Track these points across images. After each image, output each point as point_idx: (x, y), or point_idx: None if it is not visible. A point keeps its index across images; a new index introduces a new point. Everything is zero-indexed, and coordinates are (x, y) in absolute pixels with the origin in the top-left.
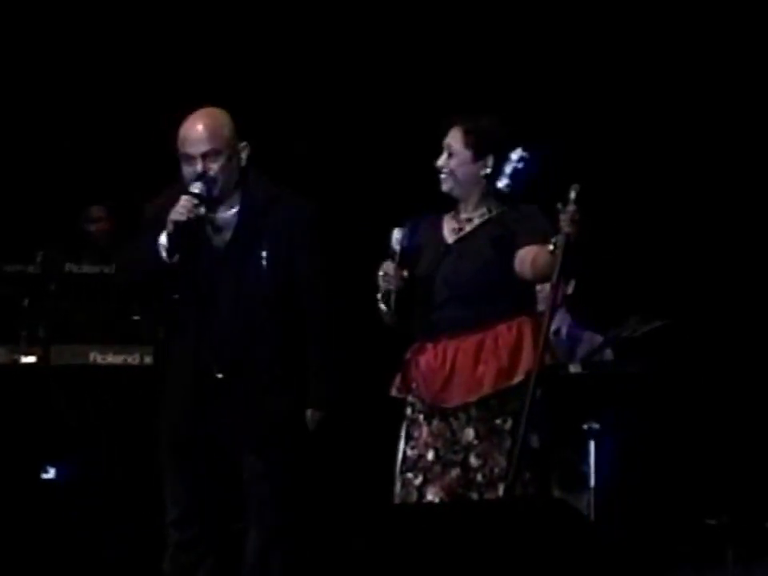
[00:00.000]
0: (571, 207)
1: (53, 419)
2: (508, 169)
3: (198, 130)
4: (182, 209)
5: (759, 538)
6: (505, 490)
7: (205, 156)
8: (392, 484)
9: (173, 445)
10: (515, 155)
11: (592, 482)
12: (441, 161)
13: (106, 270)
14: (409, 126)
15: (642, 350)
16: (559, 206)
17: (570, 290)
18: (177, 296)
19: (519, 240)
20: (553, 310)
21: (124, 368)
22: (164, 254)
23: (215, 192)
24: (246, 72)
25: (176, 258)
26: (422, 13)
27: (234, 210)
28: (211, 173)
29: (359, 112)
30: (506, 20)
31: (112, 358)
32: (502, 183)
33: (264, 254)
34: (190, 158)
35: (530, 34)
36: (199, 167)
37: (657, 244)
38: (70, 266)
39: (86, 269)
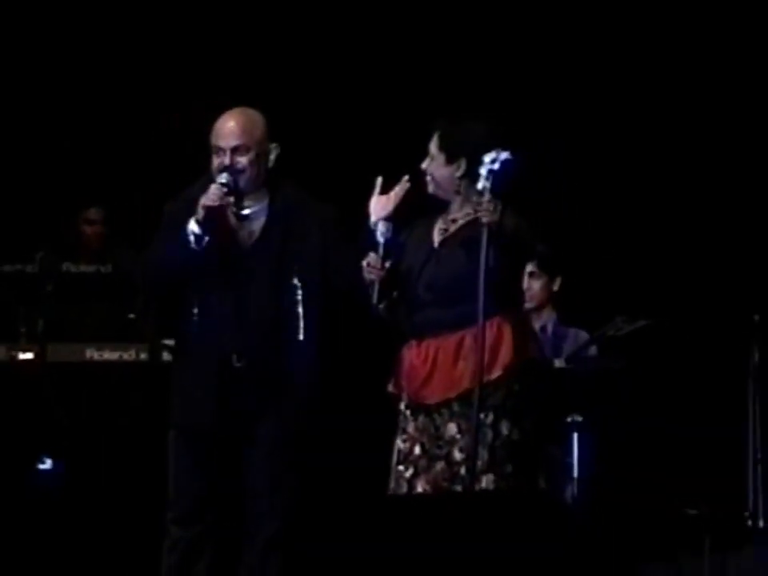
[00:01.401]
0: (486, 197)
1: (50, 414)
2: (483, 171)
3: (230, 125)
4: (212, 195)
5: (736, 528)
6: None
7: (234, 150)
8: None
9: (186, 436)
10: (488, 157)
11: (575, 473)
12: (424, 164)
13: (102, 269)
14: (404, 128)
15: (626, 348)
16: (474, 198)
17: (556, 288)
18: (196, 310)
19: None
20: (494, 305)
21: (120, 364)
22: (192, 240)
23: (241, 184)
24: (244, 75)
25: (204, 244)
26: (422, 14)
27: (261, 208)
28: (238, 166)
29: (360, 115)
30: (505, 21)
31: (108, 355)
32: (480, 185)
33: (291, 251)
34: (220, 150)
35: (530, 35)
36: (227, 160)
37: (643, 249)
38: (67, 266)
39: (83, 268)
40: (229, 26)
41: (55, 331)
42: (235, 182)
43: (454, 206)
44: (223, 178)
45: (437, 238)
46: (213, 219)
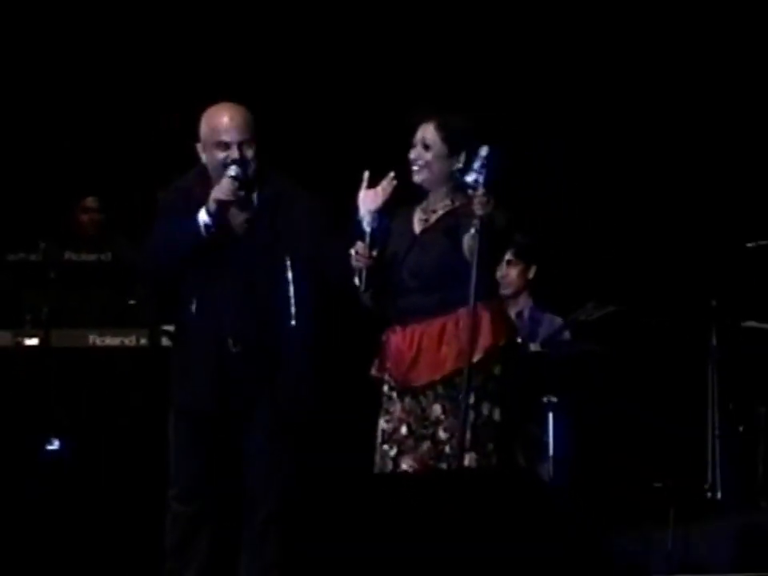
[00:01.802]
0: (480, 191)
1: (54, 397)
2: (477, 164)
3: (233, 120)
4: (226, 189)
5: (697, 499)
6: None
7: (241, 144)
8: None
9: (185, 418)
10: (484, 151)
11: (551, 451)
12: (415, 153)
13: (103, 257)
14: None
15: (597, 332)
16: (470, 191)
17: (531, 276)
18: (193, 297)
19: (464, 228)
20: (477, 291)
21: (121, 349)
22: (203, 231)
23: (250, 175)
24: (241, 74)
25: (212, 234)
26: (420, 11)
27: (253, 197)
28: (247, 158)
29: (349, 109)
30: (505, 21)
31: (110, 340)
32: (470, 178)
33: (282, 238)
34: (225, 145)
35: (530, 35)
36: (236, 153)
37: (612, 239)
38: (69, 255)
39: (84, 257)
40: (228, 26)
41: (59, 318)
42: (245, 173)
43: (437, 197)
44: (233, 171)
45: (417, 227)
46: (225, 211)
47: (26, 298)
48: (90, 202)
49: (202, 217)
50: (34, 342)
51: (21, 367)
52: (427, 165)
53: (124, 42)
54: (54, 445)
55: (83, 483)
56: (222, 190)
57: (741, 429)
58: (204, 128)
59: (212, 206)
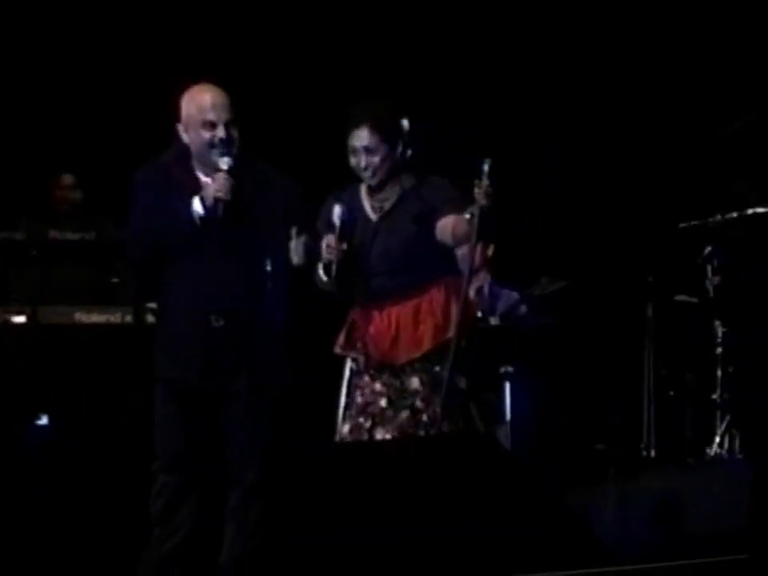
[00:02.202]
0: (485, 181)
1: (42, 373)
2: (406, 139)
3: (219, 99)
4: (224, 187)
5: (634, 460)
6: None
7: (227, 123)
8: (329, 427)
9: (170, 390)
10: (406, 125)
11: (508, 417)
12: (364, 161)
13: (87, 236)
14: None
15: (550, 306)
16: (476, 181)
17: (490, 253)
18: (175, 276)
19: (439, 212)
20: (471, 271)
21: (106, 326)
22: (198, 222)
23: (234, 156)
24: (213, 52)
25: (204, 224)
26: (423, 11)
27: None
28: (233, 138)
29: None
30: (506, 21)
31: (96, 318)
32: (408, 154)
33: (258, 218)
34: (212, 125)
35: (530, 35)
36: (222, 132)
37: (563, 218)
38: (54, 233)
39: (69, 236)
40: (227, 24)
41: (45, 295)
42: (234, 158)
43: (386, 186)
44: (225, 163)
45: (373, 214)
46: (220, 207)
47: (11, 276)
48: (66, 179)
49: (197, 208)
50: (21, 319)
51: (9, 344)
52: (378, 168)
53: (104, 20)
54: (42, 420)
55: (70, 457)
56: (221, 188)
57: (672, 393)
58: (188, 108)
59: (210, 201)
